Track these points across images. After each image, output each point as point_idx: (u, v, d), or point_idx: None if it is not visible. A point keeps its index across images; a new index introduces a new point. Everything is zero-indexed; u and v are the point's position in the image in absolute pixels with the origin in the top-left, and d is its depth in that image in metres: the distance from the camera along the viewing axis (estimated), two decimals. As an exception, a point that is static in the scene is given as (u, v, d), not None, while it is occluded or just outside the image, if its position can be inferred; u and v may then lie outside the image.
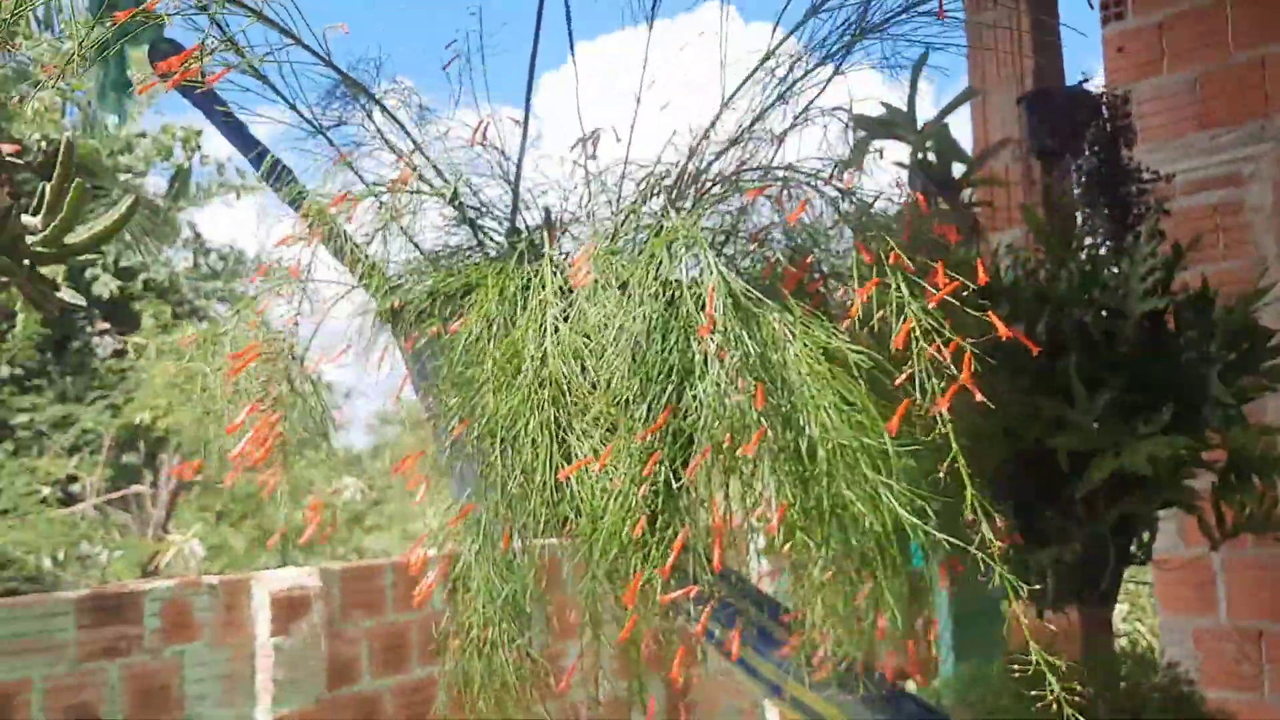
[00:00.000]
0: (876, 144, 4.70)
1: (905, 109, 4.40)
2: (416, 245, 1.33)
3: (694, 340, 1.10)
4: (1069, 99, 4.47)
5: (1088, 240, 4.01)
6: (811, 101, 1.82)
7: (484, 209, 1.43)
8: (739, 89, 1.56)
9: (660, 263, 1.14)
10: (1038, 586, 3.14)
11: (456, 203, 1.35)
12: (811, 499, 1.08)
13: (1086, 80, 4.76)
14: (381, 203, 1.25)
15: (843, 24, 1.75)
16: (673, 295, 1.18)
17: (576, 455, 1.10)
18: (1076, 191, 4.23)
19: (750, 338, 1.13)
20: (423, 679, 4.56)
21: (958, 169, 4.68)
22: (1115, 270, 3.49)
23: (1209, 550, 3.51)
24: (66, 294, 1.71)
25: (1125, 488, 3.16)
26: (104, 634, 3.51)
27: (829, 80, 1.87)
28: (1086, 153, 3.92)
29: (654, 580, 1.01)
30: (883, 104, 3.98)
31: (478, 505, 1.11)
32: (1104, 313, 3.39)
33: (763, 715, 4.70)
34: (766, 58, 1.48)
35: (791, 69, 1.71)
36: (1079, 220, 4.15)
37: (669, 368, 1.10)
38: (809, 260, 1.32)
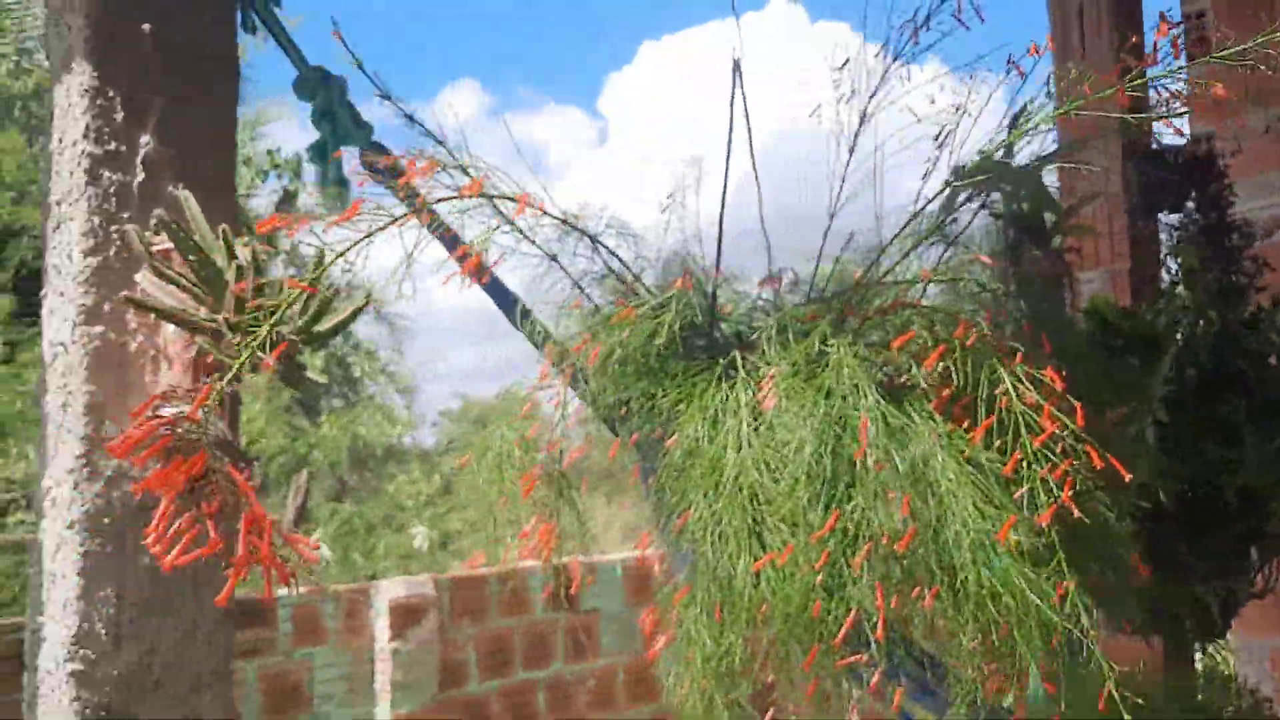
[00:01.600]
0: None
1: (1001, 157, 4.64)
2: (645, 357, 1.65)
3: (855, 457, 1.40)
4: (1177, 159, 4.64)
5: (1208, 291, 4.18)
6: (963, 229, 2.14)
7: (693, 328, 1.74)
8: (892, 239, 1.85)
9: (828, 391, 1.45)
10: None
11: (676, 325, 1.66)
12: (957, 583, 1.38)
13: (1192, 140, 4.91)
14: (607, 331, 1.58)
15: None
16: (841, 416, 1.49)
17: (770, 548, 1.41)
18: (1181, 244, 4.40)
19: (899, 451, 1.44)
20: (526, 681, 4.88)
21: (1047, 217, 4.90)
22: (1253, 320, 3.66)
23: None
24: (312, 374, 2.10)
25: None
26: (244, 637, 3.83)
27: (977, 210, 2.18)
28: (1192, 207, 4.11)
29: (830, 650, 1.32)
30: (980, 152, 4.22)
31: (694, 585, 1.43)
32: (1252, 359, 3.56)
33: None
34: (920, 210, 1.81)
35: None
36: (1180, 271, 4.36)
37: (837, 478, 1.41)
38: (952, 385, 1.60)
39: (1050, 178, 3.23)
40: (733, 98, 1.82)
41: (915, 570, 1.40)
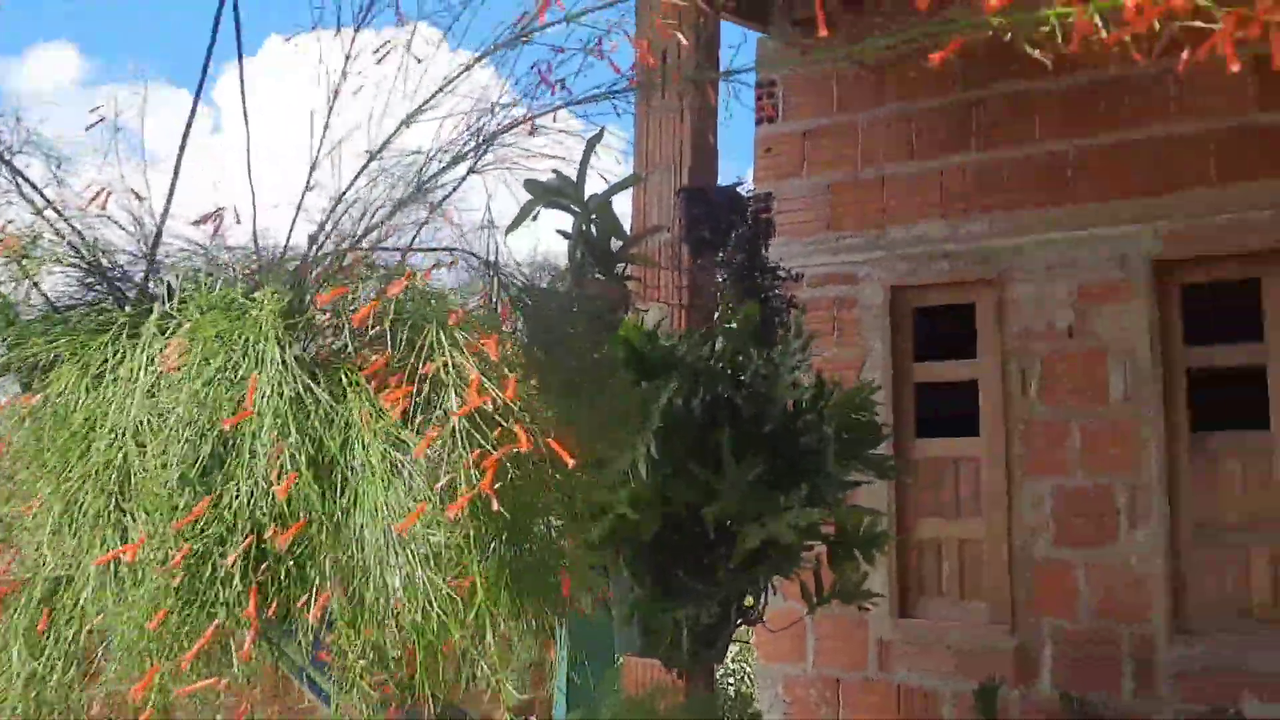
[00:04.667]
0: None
1: (575, 181, 4.63)
2: (48, 299, 1.30)
3: (239, 428, 1.15)
4: (722, 197, 4.92)
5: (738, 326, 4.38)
6: (445, 198, 1.95)
7: (115, 270, 1.42)
8: (351, 182, 1.63)
9: (222, 351, 1.18)
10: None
11: (87, 262, 1.34)
12: (355, 588, 1.16)
13: (741, 183, 5.23)
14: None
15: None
16: (242, 380, 1.23)
17: (132, 540, 1.11)
18: (721, 279, 4.64)
19: (302, 425, 1.20)
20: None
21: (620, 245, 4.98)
22: (765, 357, 3.85)
23: (806, 612, 3.91)
24: None
25: (758, 554, 3.47)
26: None
27: (464, 179, 2.01)
28: (733, 248, 4.33)
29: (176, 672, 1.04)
30: (554, 172, 4.17)
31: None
32: (753, 394, 3.72)
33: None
34: (374, 157, 1.58)
35: (423, 168, 1.84)
36: (721, 307, 4.55)
37: (224, 456, 1.14)
38: (388, 354, 1.39)
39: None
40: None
41: (309, 571, 1.17)
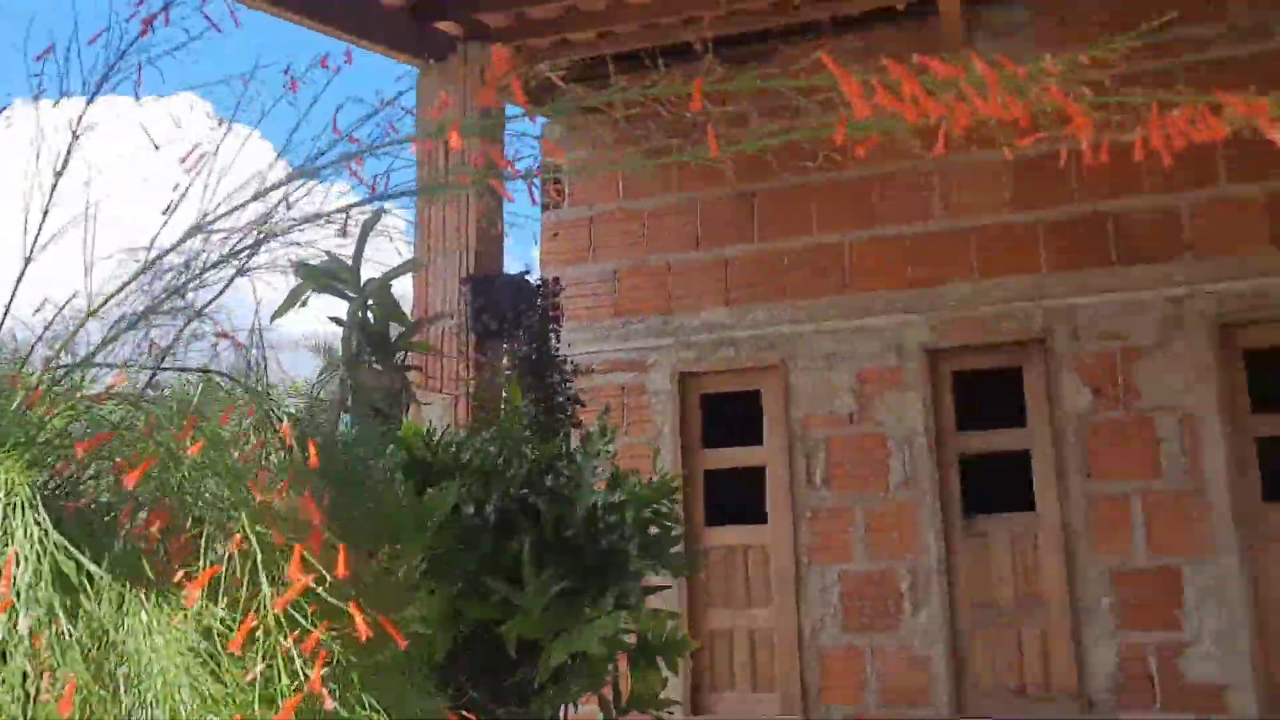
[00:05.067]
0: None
1: (351, 265, 4.28)
2: None
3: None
4: (509, 285, 4.69)
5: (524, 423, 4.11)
6: (211, 300, 1.65)
7: None
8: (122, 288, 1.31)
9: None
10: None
11: None
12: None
13: (527, 271, 5.02)
14: None
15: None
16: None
17: None
18: (508, 372, 4.38)
19: (70, 611, 0.87)
20: None
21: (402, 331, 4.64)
22: (567, 456, 3.60)
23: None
24: None
25: (563, 670, 3.15)
26: None
27: (231, 279, 1.72)
28: (522, 337, 4.09)
29: None
30: (327, 253, 3.82)
31: None
32: (554, 498, 3.44)
33: None
34: (144, 268, 1.28)
35: (188, 267, 1.54)
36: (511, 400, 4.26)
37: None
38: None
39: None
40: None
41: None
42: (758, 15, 6.83)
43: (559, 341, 3.99)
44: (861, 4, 6.74)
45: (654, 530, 3.82)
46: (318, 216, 1.81)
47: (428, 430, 3.65)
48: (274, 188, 1.49)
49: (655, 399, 6.98)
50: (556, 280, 6.68)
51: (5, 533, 0.95)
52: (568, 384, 3.87)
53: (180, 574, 1.08)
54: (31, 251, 1.38)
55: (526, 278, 4.25)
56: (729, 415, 7.04)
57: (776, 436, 6.70)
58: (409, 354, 4.72)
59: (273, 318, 3.87)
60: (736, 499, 6.91)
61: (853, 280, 6.65)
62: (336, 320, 4.48)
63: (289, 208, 1.51)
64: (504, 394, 3.74)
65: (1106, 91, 1.64)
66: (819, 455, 6.56)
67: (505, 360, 3.99)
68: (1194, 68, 6.15)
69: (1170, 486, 5.91)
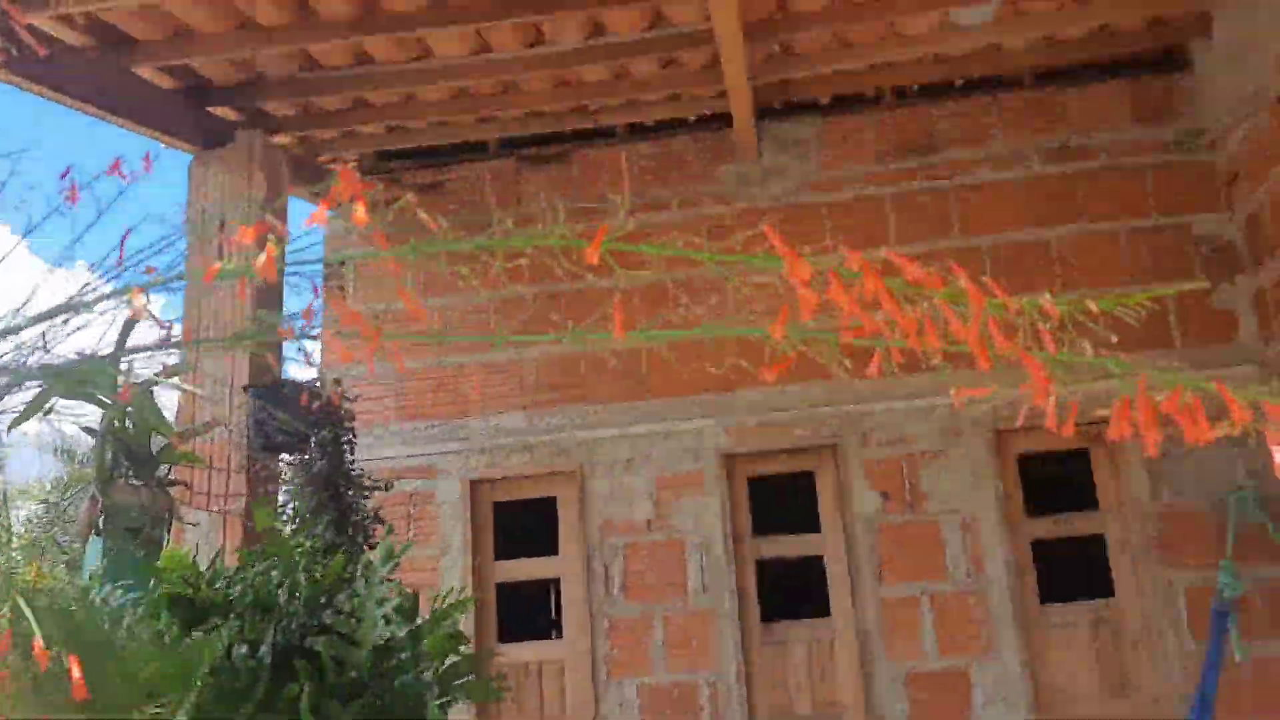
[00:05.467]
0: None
1: (107, 367, 3.80)
2: None
3: None
4: (296, 392, 4.28)
5: (313, 547, 3.69)
6: None
7: None
8: None
9: None
10: None
11: None
12: None
13: (318, 380, 4.62)
14: None
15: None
16: None
17: None
18: (300, 488, 3.94)
19: None
20: None
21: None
22: (349, 590, 3.21)
23: None
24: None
25: None
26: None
27: None
28: (314, 452, 3.68)
29: None
30: (77, 354, 3.35)
31: None
32: (338, 635, 3.04)
33: None
34: None
35: None
36: (298, 521, 3.82)
37: None
38: None
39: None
40: None
41: None
42: (555, 117, 6.80)
43: (353, 454, 3.64)
44: (655, 113, 6.84)
45: (452, 658, 3.51)
46: (64, 310, 1.50)
47: (193, 559, 3.20)
48: (31, 323, 1.19)
49: (444, 508, 6.61)
50: (338, 382, 6.26)
51: None
52: (366, 498, 3.52)
53: None
54: None
55: (317, 386, 3.87)
56: (525, 524, 6.76)
57: (573, 545, 6.47)
58: (173, 469, 4.21)
59: (10, 427, 3.36)
60: (532, 612, 6.59)
61: (651, 385, 6.58)
62: (89, 430, 3.95)
63: (47, 351, 1.21)
64: (275, 515, 3.34)
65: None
66: (617, 563, 6.37)
67: (292, 475, 3.59)
68: (962, 188, 6.56)
69: (956, 588, 6.07)
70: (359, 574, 3.32)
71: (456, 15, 5.44)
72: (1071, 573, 6.43)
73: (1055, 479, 6.55)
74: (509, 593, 6.61)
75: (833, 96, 6.85)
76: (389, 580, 3.32)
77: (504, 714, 6.33)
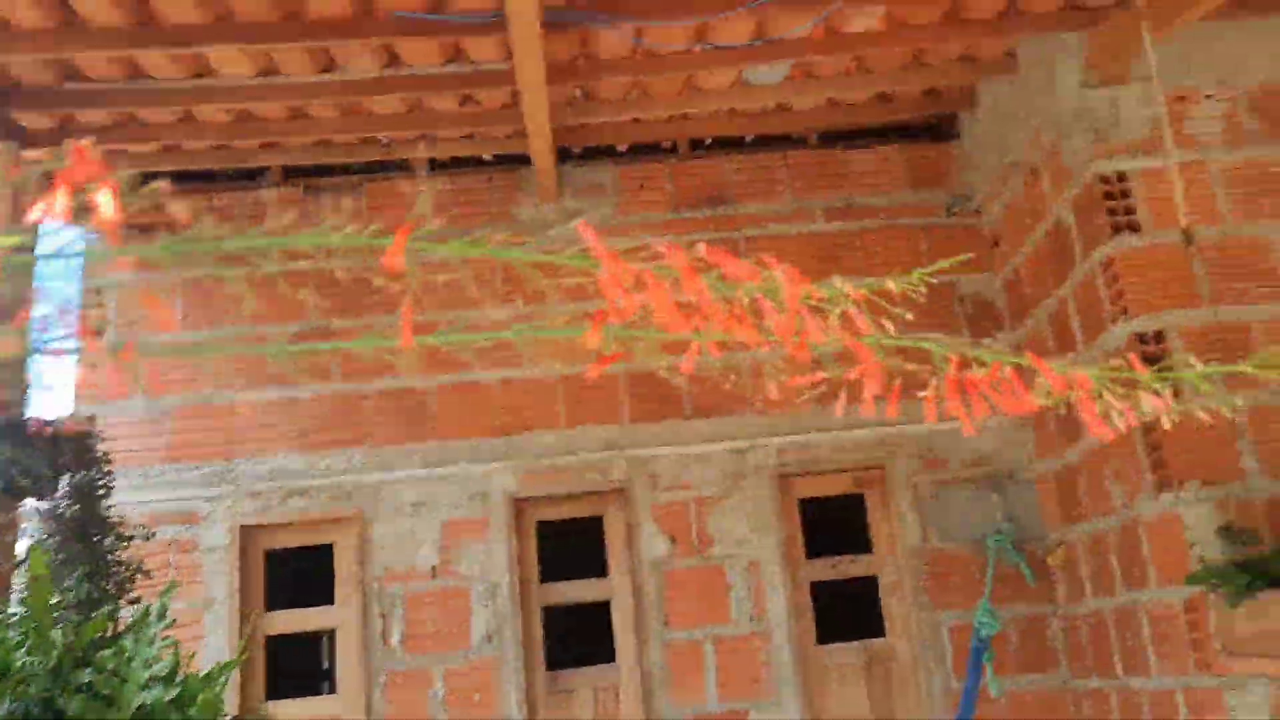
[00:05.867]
0: None
1: None
2: None
3: None
4: (47, 433, 3.85)
5: (66, 601, 3.34)
6: None
7: None
8: None
9: None
10: None
11: None
12: None
13: (72, 417, 4.17)
14: None
15: None
16: None
17: None
18: (47, 537, 3.51)
19: None
20: None
21: None
22: (111, 647, 2.90)
23: None
24: None
25: None
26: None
27: None
28: (64, 497, 3.30)
29: None
30: None
31: None
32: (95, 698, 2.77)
33: None
34: None
35: None
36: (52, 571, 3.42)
37: None
38: None
39: None
40: None
41: None
42: (345, 148, 6.55)
43: (109, 499, 3.30)
44: (451, 150, 6.71)
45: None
46: None
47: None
48: None
49: (209, 556, 6.14)
50: (91, 419, 5.73)
51: None
52: (124, 548, 3.20)
53: None
54: None
55: (73, 424, 3.52)
56: (302, 572, 6.37)
57: (351, 594, 6.14)
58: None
59: None
60: (308, 666, 6.20)
61: (438, 427, 6.38)
62: None
63: None
64: (46, 565, 3.01)
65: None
66: (396, 613, 6.10)
67: (37, 522, 3.23)
68: (753, 240, 6.76)
69: (739, 632, 6.16)
70: (128, 631, 3.01)
71: (242, 33, 5.15)
72: (848, 613, 6.66)
73: (835, 521, 6.79)
74: (282, 646, 6.20)
75: (631, 144, 6.93)
76: (164, 638, 3.02)
77: (270, 778, 5.89)
